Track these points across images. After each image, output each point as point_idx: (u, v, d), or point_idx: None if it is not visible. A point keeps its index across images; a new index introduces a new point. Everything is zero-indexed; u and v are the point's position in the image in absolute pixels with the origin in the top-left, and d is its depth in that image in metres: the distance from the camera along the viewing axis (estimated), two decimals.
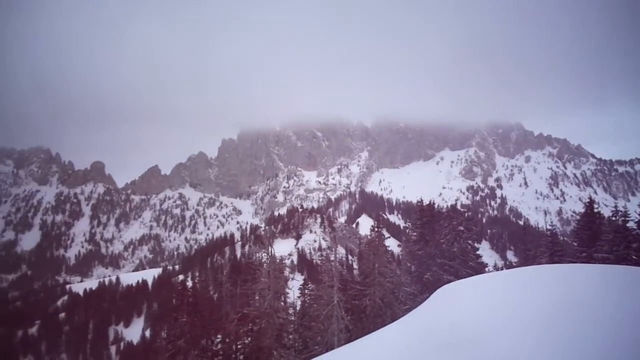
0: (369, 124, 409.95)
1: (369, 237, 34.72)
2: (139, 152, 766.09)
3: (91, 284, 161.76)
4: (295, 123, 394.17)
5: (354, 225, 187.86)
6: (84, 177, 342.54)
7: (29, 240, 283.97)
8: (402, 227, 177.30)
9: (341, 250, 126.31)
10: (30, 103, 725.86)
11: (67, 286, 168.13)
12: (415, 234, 37.26)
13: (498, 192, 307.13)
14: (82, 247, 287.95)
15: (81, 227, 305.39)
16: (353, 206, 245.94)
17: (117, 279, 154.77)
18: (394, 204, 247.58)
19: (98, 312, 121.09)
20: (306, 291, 38.42)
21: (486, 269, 35.04)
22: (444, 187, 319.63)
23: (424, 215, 36.64)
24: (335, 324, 26.95)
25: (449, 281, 24.81)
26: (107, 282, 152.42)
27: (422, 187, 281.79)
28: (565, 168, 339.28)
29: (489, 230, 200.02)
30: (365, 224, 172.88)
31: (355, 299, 30.95)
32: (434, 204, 40.36)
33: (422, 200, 39.34)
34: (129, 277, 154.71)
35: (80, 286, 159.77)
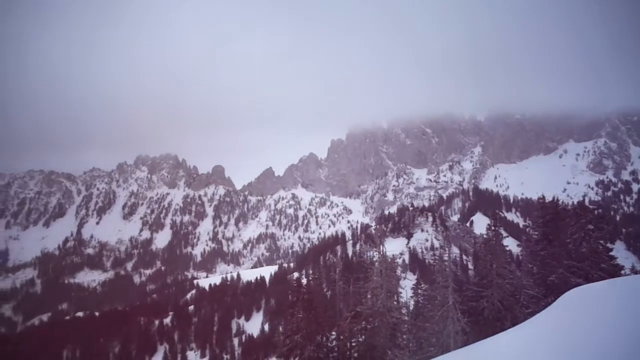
0: (481, 118, 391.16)
1: (485, 236, 33.14)
2: (254, 155, 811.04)
3: (215, 279, 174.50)
4: (403, 120, 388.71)
5: (467, 224, 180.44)
6: (207, 180, 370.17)
7: (162, 239, 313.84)
8: (521, 226, 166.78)
9: (455, 250, 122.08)
10: (158, 114, 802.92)
11: (195, 281, 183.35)
12: (536, 233, 34.79)
13: (634, 187, 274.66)
14: (207, 245, 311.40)
15: (205, 226, 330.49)
16: (466, 204, 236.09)
17: (238, 275, 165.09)
18: (512, 201, 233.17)
19: (222, 306, 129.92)
20: (419, 291, 37.76)
21: (622, 272, 31.59)
22: (568, 183, 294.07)
23: (546, 213, 34.06)
24: (450, 325, 26.12)
25: (577, 284, 22.85)
26: (229, 278, 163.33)
27: (543, 183, 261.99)
28: None
29: (624, 230, 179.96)
30: (480, 223, 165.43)
31: (471, 301, 29.72)
32: (557, 200, 37.37)
33: (543, 197, 36.64)
34: (248, 274, 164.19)
35: (205, 281, 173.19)
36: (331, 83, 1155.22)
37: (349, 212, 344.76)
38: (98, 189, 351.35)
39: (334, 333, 30.98)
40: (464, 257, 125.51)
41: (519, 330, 13.83)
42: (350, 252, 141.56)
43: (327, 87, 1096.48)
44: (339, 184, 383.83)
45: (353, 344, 29.77)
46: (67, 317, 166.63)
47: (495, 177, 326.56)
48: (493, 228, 30.63)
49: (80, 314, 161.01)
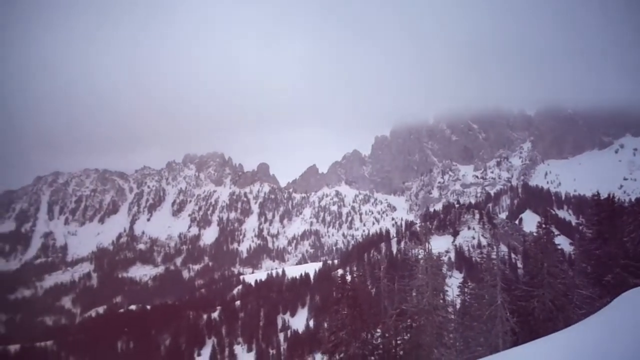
0: (531, 112, 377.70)
1: (535, 234, 32.14)
2: (298, 152, 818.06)
3: (261, 275, 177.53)
4: (449, 116, 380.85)
5: (516, 222, 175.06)
6: (252, 178, 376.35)
7: (209, 235, 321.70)
8: (573, 224, 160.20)
9: (503, 248, 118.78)
10: (205, 114, 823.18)
11: (241, 277, 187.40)
12: (591, 231, 33.41)
13: None
14: (252, 241, 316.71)
15: (251, 223, 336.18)
16: (515, 201, 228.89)
17: (283, 271, 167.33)
18: (563, 198, 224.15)
19: (267, 301, 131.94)
20: (466, 289, 37.15)
21: None
22: (625, 179, 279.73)
23: (601, 211, 32.64)
24: (499, 325, 25.56)
25: (635, 285, 21.91)
26: (274, 274, 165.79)
27: (597, 179, 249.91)
28: None
29: None
30: (529, 220, 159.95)
31: (521, 300, 28.93)
32: (613, 197, 35.70)
33: (598, 194, 35.15)
34: (293, 270, 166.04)
35: (251, 277, 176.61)
36: (374, 80, 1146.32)
37: (393, 209, 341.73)
38: (149, 187, 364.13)
39: (378, 330, 30.94)
40: (513, 255, 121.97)
41: (572, 331, 13.40)
42: (394, 250, 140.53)
43: (370, 84, 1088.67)
44: (382, 181, 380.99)
45: (398, 342, 29.64)
46: (121, 310, 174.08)
47: (546, 174, 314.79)
48: (544, 226, 29.73)
49: (133, 307, 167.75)
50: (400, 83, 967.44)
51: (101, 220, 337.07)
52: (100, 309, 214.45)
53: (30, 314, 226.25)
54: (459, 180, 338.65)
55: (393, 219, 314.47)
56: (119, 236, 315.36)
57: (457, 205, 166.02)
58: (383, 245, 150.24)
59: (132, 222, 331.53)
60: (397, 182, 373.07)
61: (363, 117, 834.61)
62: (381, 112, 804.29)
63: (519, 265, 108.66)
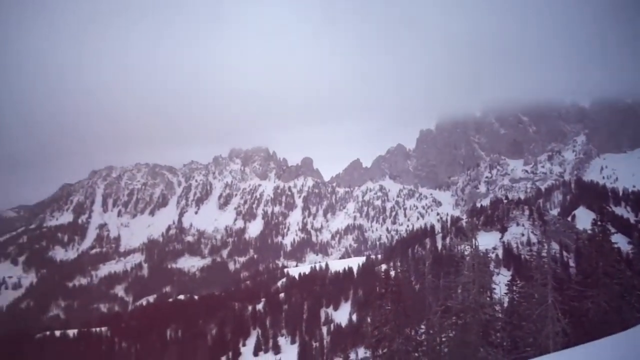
0: (585, 104, 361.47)
1: (589, 232, 30.75)
2: (341, 147, 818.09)
3: (304, 268, 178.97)
4: (498, 109, 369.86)
5: (569, 219, 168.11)
6: (296, 172, 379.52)
7: (254, 228, 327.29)
8: (632, 222, 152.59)
9: (554, 246, 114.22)
10: (249, 109, 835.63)
11: (285, 270, 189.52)
12: None
13: None
14: (296, 235, 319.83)
15: (295, 217, 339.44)
16: (567, 197, 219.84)
17: (326, 265, 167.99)
18: (621, 194, 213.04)
19: (311, 295, 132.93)
20: (514, 288, 36.01)
21: None
22: None
23: None
24: (550, 325, 24.63)
25: None
26: (317, 268, 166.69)
27: None
28: None
29: None
30: (583, 217, 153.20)
31: (573, 301, 27.78)
32: None
33: None
34: (336, 264, 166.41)
35: (295, 270, 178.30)
36: (418, 73, 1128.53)
37: (439, 204, 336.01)
38: (196, 181, 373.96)
39: (423, 327, 30.54)
40: (565, 253, 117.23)
41: (629, 335, 12.71)
42: (439, 246, 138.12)
43: (413, 78, 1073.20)
44: (427, 176, 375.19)
45: (443, 339, 29.15)
46: (170, 299, 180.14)
47: (602, 168, 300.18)
48: (600, 223, 28.43)
49: (181, 296, 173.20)
50: (446, 76, 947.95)
51: (151, 213, 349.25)
52: (151, 298, 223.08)
53: (87, 301, 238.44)
54: (507, 175, 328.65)
55: (438, 214, 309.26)
56: (168, 228, 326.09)
57: (505, 201, 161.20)
58: (427, 240, 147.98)
59: (181, 215, 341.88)
60: (442, 177, 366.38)
61: (407, 111, 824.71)
62: (426, 106, 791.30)
63: (571, 264, 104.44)
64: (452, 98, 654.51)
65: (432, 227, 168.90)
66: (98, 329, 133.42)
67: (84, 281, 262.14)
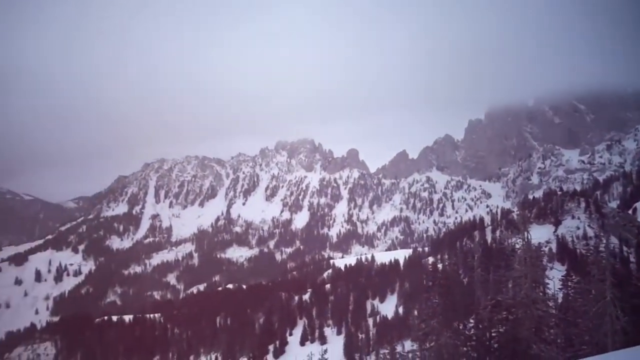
0: None
1: None
2: (387, 138, 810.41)
3: (350, 260, 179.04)
4: (552, 97, 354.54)
5: (629, 212, 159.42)
6: (342, 164, 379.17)
7: (300, 220, 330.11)
8: None
9: (613, 240, 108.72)
10: (295, 100, 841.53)
11: (331, 261, 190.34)
12: None
13: None
14: (342, 226, 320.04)
15: (340, 208, 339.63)
16: (628, 189, 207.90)
17: (372, 257, 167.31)
18: None
19: (357, 286, 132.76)
20: (569, 283, 34.63)
21: None
22: None
23: None
24: (608, 323, 23.54)
25: None
26: (363, 260, 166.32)
27: None
28: None
29: None
30: None
31: (634, 298, 26.40)
32: None
33: None
34: (382, 256, 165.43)
35: (341, 261, 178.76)
36: (466, 62, 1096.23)
37: (488, 196, 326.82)
38: (244, 173, 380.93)
39: (472, 321, 29.89)
40: (625, 248, 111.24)
41: None
42: (489, 239, 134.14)
43: (461, 67, 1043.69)
44: (477, 167, 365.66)
45: (493, 334, 28.42)
46: (220, 288, 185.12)
47: None
48: None
49: (230, 285, 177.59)
50: (495, 65, 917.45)
51: (201, 204, 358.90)
52: (201, 287, 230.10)
53: (141, 289, 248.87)
54: (562, 166, 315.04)
55: (487, 206, 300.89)
56: (217, 219, 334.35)
57: (559, 193, 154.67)
58: (477, 233, 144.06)
59: (229, 206, 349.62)
60: (492, 168, 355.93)
61: (456, 101, 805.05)
62: (475, 95, 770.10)
63: (632, 259, 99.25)
64: (502, 87, 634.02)
65: (482, 219, 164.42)
66: (152, 315, 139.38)
67: (138, 269, 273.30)
